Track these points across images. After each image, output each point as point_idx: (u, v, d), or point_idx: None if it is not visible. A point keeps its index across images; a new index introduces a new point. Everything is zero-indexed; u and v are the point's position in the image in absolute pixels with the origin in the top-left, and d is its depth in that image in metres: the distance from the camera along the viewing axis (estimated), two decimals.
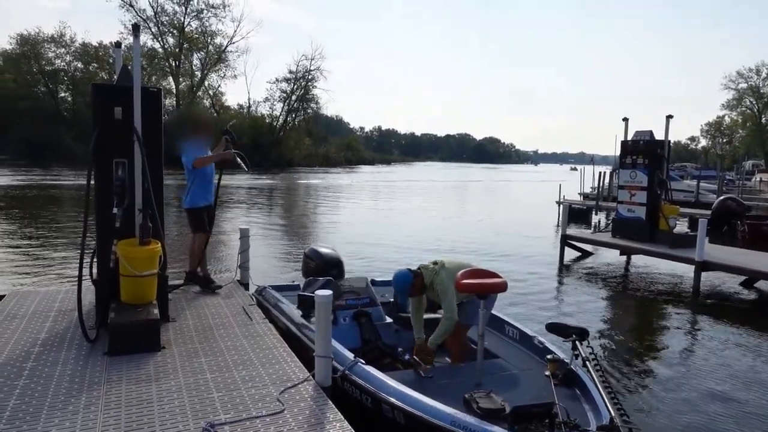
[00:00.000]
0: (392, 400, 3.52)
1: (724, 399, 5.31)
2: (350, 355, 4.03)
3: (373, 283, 6.42)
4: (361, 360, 3.98)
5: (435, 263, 4.55)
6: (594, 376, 3.41)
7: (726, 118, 79.27)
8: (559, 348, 4.39)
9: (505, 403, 3.42)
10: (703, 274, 9.74)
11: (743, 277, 10.23)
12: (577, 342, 3.78)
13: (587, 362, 3.56)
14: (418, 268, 4.56)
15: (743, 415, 4.96)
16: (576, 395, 3.77)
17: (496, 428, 3.09)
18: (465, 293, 4.24)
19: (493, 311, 5.25)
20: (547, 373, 3.99)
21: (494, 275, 4.26)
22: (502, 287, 4.14)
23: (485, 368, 4.13)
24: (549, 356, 4.13)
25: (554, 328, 4.08)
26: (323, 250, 6.17)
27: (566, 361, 4.00)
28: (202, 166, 6.00)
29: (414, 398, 3.46)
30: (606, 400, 3.26)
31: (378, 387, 3.67)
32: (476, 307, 4.00)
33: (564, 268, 12.08)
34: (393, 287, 4.65)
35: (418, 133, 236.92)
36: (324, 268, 5.79)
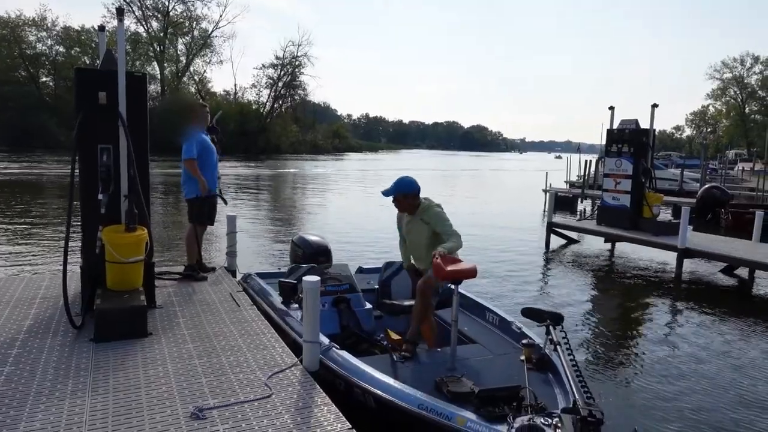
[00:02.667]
0: (362, 384, 3.57)
1: (694, 383, 5.42)
2: (325, 340, 4.07)
3: (361, 270, 6.45)
4: (335, 345, 4.02)
5: (427, 199, 4.68)
6: (563, 361, 3.47)
7: (710, 107, 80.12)
8: (536, 333, 4.43)
9: (476, 387, 3.48)
10: (686, 261, 9.92)
11: (724, 264, 10.42)
12: (550, 327, 3.82)
13: (558, 347, 3.62)
14: None
15: (711, 400, 5.06)
16: (548, 380, 3.83)
17: (463, 411, 3.15)
18: (441, 281, 4.23)
19: (476, 297, 5.30)
20: (522, 358, 4.05)
21: (461, 261, 4.25)
22: (473, 273, 4.14)
23: (461, 353, 4.18)
24: (524, 341, 4.19)
25: (529, 312, 4.05)
26: (311, 237, 6.15)
27: (540, 345, 4.06)
28: (189, 169, 5.85)
29: (383, 382, 3.52)
30: (572, 384, 3.31)
31: (349, 371, 3.71)
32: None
33: (550, 256, 12.21)
34: (394, 185, 4.57)
35: (405, 120, 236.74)
36: (312, 255, 5.79)
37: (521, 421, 2.96)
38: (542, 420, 2.93)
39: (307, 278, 3.86)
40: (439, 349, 4.44)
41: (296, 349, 4.10)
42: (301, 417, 3.13)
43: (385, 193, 4.62)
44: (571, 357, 3.58)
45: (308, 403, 3.31)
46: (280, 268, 6.84)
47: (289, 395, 3.40)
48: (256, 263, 9.41)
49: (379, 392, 3.45)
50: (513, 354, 4.31)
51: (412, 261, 4.83)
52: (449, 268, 4.04)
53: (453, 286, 4.03)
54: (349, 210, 19.23)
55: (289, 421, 3.09)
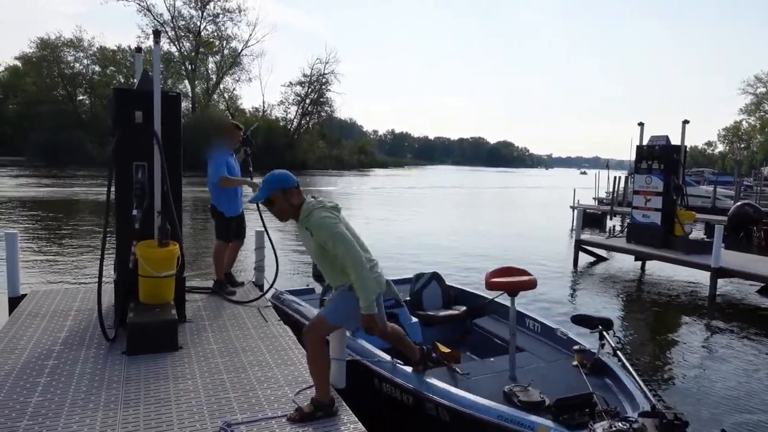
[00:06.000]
0: (436, 398, 3.59)
1: (737, 403, 5.29)
2: (387, 357, 4.12)
3: (388, 283, 6.47)
4: (399, 361, 4.06)
5: (314, 198, 3.37)
6: (627, 364, 3.52)
7: (744, 123, 78.24)
8: (581, 339, 4.47)
9: (544, 396, 3.50)
10: (719, 280, 9.65)
11: (760, 284, 10.10)
12: (603, 332, 3.89)
13: (618, 351, 3.69)
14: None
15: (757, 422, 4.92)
16: (607, 384, 3.84)
17: (543, 420, 3.19)
18: (495, 291, 4.25)
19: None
20: (575, 363, 4.10)
21: (524, 273, 4.27)
22: (533, 285, 4.16)
23: (515, 363, 4.20)
24: (576, 347, 4.23)
25: (579, 319, 4.23)
26: None
27: (593, 351, 4.09)
28: (226, 186, 5.83)
29: (458, 396, 3.55)
30: (643, 387, 3.34)
31: (421, 387, 3.75)
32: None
33: (578, 274, 12.02)
34: (263, 183, 3.35)
35: (431, 136, 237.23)
36: None
37: (602, 427, 2.97)
38: (621, 424, 2.94)
39: None
40: (492, 359, 4.46)
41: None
42: None
43: (258, 198, 3.37)
44: (631, 361, 3.63)
45: (335, 420, 3.31)
46: (308, 285, 6.88)
47: None
48: (282, 278, 9.47)
49: (455, 406, 3.48)
50: (564, 360, 4.34)
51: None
52: (506, 279, 4.09)
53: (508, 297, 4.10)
54: (372, 225, 19.28)
55: None
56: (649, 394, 3.28)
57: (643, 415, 3.04)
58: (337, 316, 3.33)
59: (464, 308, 5.50)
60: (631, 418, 3.04)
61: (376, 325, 3.18)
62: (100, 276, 4.59)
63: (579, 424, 3.12)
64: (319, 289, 5.99)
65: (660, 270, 12.10)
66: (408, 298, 5.59)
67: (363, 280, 3.08)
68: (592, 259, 13.24)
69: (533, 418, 3.22)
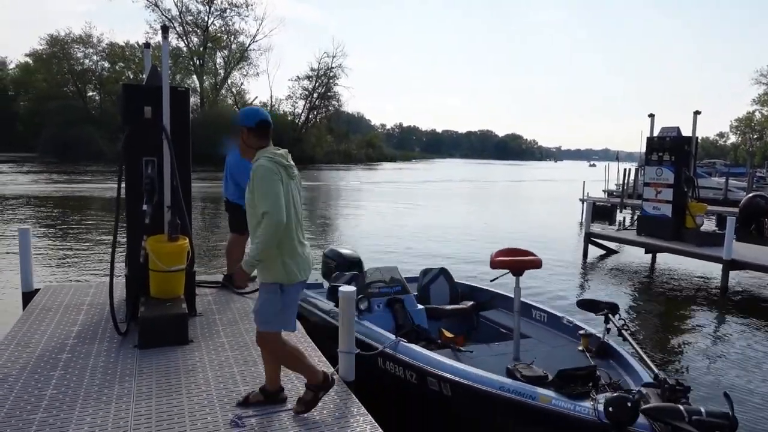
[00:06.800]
0: (439, 372, 3.64)
1: (747, 393, 5.25)
2: (391, 336, 4.19)
3: None
4: (403, 339, 4.12)
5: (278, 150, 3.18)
6: (631, 341, 3.56)
7: (757, 113, 77.18)
8: (588, 326, 4.48)
9: (547, 372, 3.52)
10: (731, 273, 9.57)
11: None
12: (609, 315, 3.89)
13: (623, 331, 3.74)
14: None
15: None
16: (611, 365, 3.88)
17: (544, 390, 3.22)
18: (499, 269, 4.25)
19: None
20: (581, 348, 4.14)
21: (530, 253, 4.29)
22: (538, 264, 4.18)
23: (519, 346, 4.22)
24: (581, 331, 4.27)
25: (585, 304, 4.26)
26: (343, 250, 6.30)
27: (598, 335, 4.12)
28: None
29: (461, 369, 3.60)
30: (647, 360, 3.42)
31: (423, 362, 3.80)
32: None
33: (588, 266, 11.96)
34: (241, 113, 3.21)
35: (439, 129, 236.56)
36: (344, 267, 5.91)
37: (605, 396, 3.00)
38: (624, 394, 2.97)
39: (343, 289, 3.90)
40: (497, 344, 4.52)
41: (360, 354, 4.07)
42: (338, 427, 3.16)
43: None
44: (637, 340, 3.68)
45: (345, 413, 3.33)
46: (316, 279, 6.91)
47: (325, 405, 3.42)
48: None
49: (457, 378, 3.53)
50: (569, 345, 4.37)
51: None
52: (511, 258, 4.11)
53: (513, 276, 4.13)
54: (379, 221, 19.28)
55: (326, 431, 3.12)
56: (652, 366, 3.32)
57: (646, 386, 3.09)
58: (275, 320, 3.08)
59: (472, 303, 5.52)
60: (632, 390, 3.08)
61: (245, 283, 3.31)
62: (112, 271, 4.63)
63: (581, 394, 3.14)
64: (326, 285, 6.03)
65: (671, 262, 12.02)
66: (415, 293, 5.61)
67: (264, 246, 2.90)
68: (602, 252, 13.16)
69: (535, 388, 3.26)
